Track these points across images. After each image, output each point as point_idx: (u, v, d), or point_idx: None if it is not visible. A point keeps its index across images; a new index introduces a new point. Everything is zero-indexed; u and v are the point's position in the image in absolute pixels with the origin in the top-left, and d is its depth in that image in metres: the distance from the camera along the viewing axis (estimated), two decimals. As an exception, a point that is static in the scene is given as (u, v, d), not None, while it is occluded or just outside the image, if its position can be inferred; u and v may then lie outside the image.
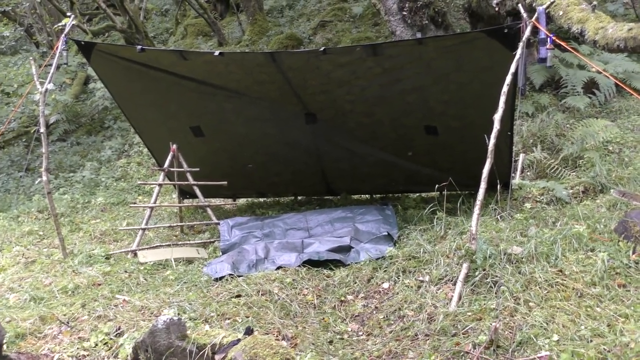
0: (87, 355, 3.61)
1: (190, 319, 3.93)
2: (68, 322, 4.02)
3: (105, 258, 5.66)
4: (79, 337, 3.83)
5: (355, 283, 4.61)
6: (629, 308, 3.50)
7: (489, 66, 5.00)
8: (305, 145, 6.43)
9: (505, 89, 4.33)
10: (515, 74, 4.45)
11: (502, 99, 4.32)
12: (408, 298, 4.15)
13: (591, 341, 3.23)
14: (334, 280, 4.71)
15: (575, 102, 7.27)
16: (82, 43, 6.17)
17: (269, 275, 4.74)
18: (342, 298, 4.44)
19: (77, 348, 3.67)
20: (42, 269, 5.44)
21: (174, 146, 6.34)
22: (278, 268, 4.91)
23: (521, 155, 6.67)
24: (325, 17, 12.73)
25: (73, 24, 6.15)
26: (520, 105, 7.48)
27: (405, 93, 5.57)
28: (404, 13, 8.17)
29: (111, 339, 3.73)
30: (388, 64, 5.38)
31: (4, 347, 3.18)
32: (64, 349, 3.67)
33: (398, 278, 4.50)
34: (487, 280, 4.04)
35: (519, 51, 4.43)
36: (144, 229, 6.07)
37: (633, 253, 4.04)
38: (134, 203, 7.78)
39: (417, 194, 6.80)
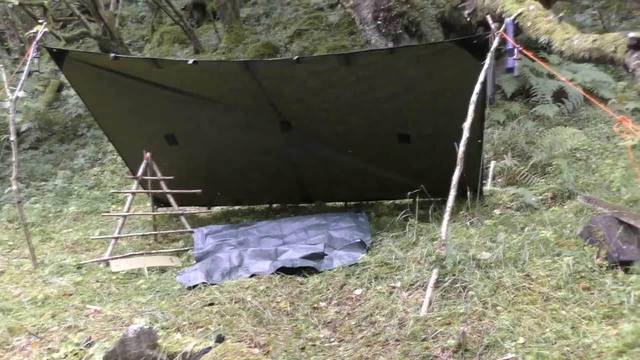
0: (57, 366, 3.58)
1: (162, 328, 3.92)
2: (37, 333, 3.97)
3: (77, 268, 5.60)
4: (48, 348, 3.79)
5: (329, 290, 4.64)
6: (593, 310, 3.58)
7: (459, 75, 5.10)
8: (280, 153, 6.46)
9: (474, 97, 4.43)
10: (484, 83, 4.55)
11: (471, 107, 4.42)
12: (380, 304, 4.20)
13: (555, 343, 3.30)
14: (307, 287, 4.74)
15: (545, 110, 7.43)
16: (54, 50, 6.12)
17: (243, 283, 4.75)
18: (315, 305, 4.47)
19: (47, 359, 3.63)
20: (11, 280, 5.36)
21: (148, 154, 6.32)
22: (252, 276, 4.93)
23: (492, 163, 6.79)
24: (302, 25, 12.82)
25: (46, 31, 6.11)
26: (491, 114, 7.65)
27: (379, 101, 5.65)
28: (379, 22, 8.29)
29: (81, 349, 3.70)
30: (361, 73, 5.46)
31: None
32: (33, 360, 3.63)
33: (370, 284, 4.54)
34: (457, 285, 4.11)
35: (487, 61, 4.54)
36: (116, 238, 6.03)
37: (597, 257, 4.14)
38: (107, 212, 7.70)
39: (391, 201, 6.88)
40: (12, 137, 5.67)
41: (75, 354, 3.66)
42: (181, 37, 14.39)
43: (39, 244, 6.68)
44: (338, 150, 6.28)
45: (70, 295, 4.84)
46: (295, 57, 5.37)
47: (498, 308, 3.79)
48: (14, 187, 5.67)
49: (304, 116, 6.09)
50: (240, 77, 5.67)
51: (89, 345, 3.71)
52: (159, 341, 3.23)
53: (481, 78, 4.54)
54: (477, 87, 4.49)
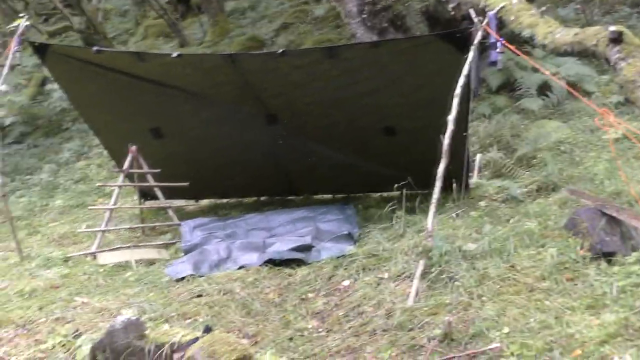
0: (44, 357, 3.59)
1: (150, 319, 3.93)
2: (24, 325, 3.98)
3: (64, 261, 5.58)
4: (35, 340, 3.79)
5: (317, 281, 4.68)
6: (576, 301, 3.65)
7: (443, 69, 5.12)
8: (267, 146, 6.46)
9: (457, 91, 4.47)
10: (468, 77, 4.59)
11: (455, 101, 4.46)
12: (367, 295, 4.24)
13: (539, 333, 3.36)
14: (295, 279, 4.76)
15: (530, 103, 7.51)
16: (36, 44, 6.07)
17: (231, 274, 4.78)
18: (303, 296, 4.50)
19: (34, 351, 3.64)
20: (-3, 273, 5.33)
21: (133, 147, 6.28)
22: (240, 268, 4.95)
23: (478, 155, 6.85)
24: (287, 19, 12.79)
25: (28, 24, 6.05)
26: (477, 107, 7.70)
27: (363, 95, 5.67)
28: (364, 16, 8.29)
29: (69, 340, 3.72)
30: (344, 66, 5.48)
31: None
32: (21, 351, 3.64)
33: (358, 275, 4.59)
34: (443, 276, 4.17)
35: (470, 54, 4.58)
36: (104, 231, 6.01)
37: (581, 248, 4.21)
38: (94, 205, 7.66)
39: (378, 194, 6.91)
40: (-4, 131, 5.62)
41: (63, 345, 3.67)
42: (166, 30, 14.29)
43: (26, 237, 6.63)
44: (324, 143, 6.29)
45: (58, 287, 4.83)
46: (280, 51, 5.38)
47: (483, 298, 3.85)
48: (-1, 180, 5.63)
49: (288, 109, 6.09)
50: (225, 70, 5.66)
51: (77, 336, 3.73)
52: (147, 332, 3.25)
53: (465, 71, 4.57)
54: (461, 80, 4.53)
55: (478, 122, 7.54)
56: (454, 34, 4.94)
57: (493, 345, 3.28)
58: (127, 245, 5.89)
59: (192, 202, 7.60)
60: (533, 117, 7.49)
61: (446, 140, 4.36)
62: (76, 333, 3.77)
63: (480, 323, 3.55)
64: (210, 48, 12.29)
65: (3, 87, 5.77)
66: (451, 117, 4.40)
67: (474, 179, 6.35)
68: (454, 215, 5.30)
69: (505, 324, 3.51)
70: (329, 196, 7.26)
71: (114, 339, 3.15)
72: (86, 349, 3.39)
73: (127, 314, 3.33)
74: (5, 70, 5.80)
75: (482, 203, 5.64)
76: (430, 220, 4.28)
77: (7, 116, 10.96)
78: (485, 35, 4.73)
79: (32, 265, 5.42)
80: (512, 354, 3.14)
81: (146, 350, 3.09)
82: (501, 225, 4.94)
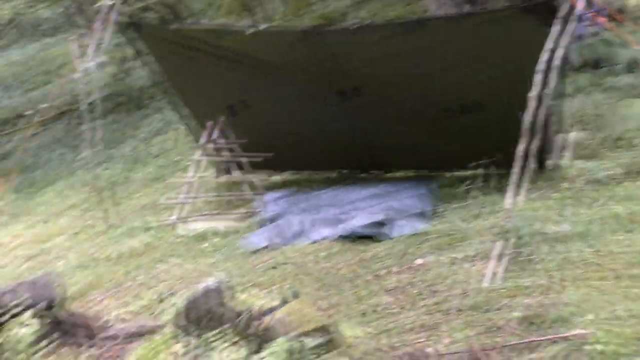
0: (131, 318, 3.79)
1: (228, 288, 4.04)
2: (113, 288, 4.22)
3: (146, 230, 5.86)
4: (123, 302, 4.02)
5: (390, 258, 4.66)
6: (669, 290, 3.46)
7: (525, 43, 4.92)
8: (342, 122, 6.45)
9: (541, 66, 4.28)
10: (552, 51, 4.39)
11: (539, 77, 4.28)
12: (441, 274, 4.19)
13: (627, 321, 3.20)
14: (368, 255, 4.77)
15: (617, 81, 7.09)
16: (122, 22, 6.30)
17: (306, 248, 4.85)
18: (377, 272, 4.49)
19: (123, 311, 3.87)
20: (87, 239, 5.69)
21: (212, 122, 6.46)
22: (314, 242, 5.02)
23: (559, 135, 6.56)
24: (361, -5, 12.60)
25: (112, 3, 6.30)
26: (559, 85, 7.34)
27: (444, 70, 5.54)
28: (440, -10, 8.06)
29: (154, 304, 3.90)
30: (425, 41, 5.36)
31: (56, 308, 3.37)
32: (111, 311, 3.87)
33: (432, 254, 4.54)
34: (522, 258, 4.05)
35: (556, 28, 4.36)
36: (183, 202, 6.24)
37: (673, 235, 3.98)
38: (173, 178, 7.95)
39: (454, 172, 6.76)
40: (84, 106, 5.92)
41: (148, 308, 3.87)
42: (248, 4, 14.42)
43: (111, 207, 6.99)
44: (403, 119, 6.21)
45: (142, 254, 5.08)
46: (361, 23, 5.31)
47: (565, 283, 3.71)
48: (88, 153, 5.95)
49: (366, 85, 6.04)
50: (305, 45, 5.68)
51: (161, 300, 3.91)
52: (228, 299, 3.36)
53: (549, 46, 4.37)
54: (546, 55, 4.34)
55: (560, 100, 7.20)
56: (538, 6, 4.71)
57: (577, 331, 3.16)
58: (206, 215, 6.09)
59: (269, 175, 7.73)
60: (620, 95, 7.05)
61: (528, 118, 4.19)
62: (160, 297, 3.96)
63: (562, 308, 3.42)
64: (288, 22, 12.33)
65: (91, 64, 6.05)
66: (534, 94, 4.22)
67: (554, 160, 6.09)
68: (533, 196, 5.10)
69: (589, 311, 3.36)
70: (404, 173, 7.19)
71: (197, 303, 3.28)
72: (171, 312, 3.55)
73: (209, 281, 3.45)
74: (93, 47, 6.08)
75: (565, 184, 5.40)
76: (509, 201, 4.16)
77: (93, 92, 11.51)
78: (572, 7, 4.48)
79: (118, 233, 5.72)
80: (597, 341, 3.01)
81: (227, 316, 3.20)
82: (585, 208, 4.73)
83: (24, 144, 9.61)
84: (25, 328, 2.96)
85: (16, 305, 3.04)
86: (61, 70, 14.02)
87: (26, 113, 12.78)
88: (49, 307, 3.26)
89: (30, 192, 8.80)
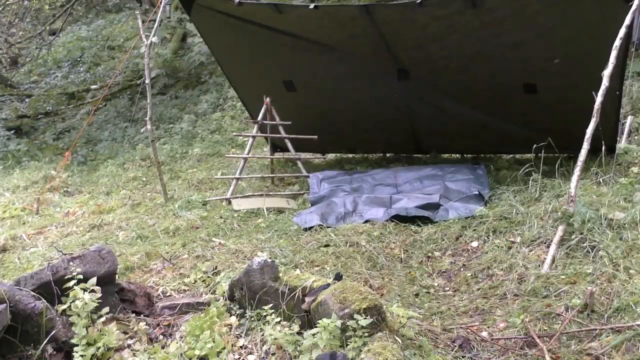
0: (187, 289, 3.90)
1: (281, 264, 4.11)
2: (170, 260, 4.34)
3: (202, 204, 6.00)
4: (180, 274, 4.13)
5: (443, 240, 4.60)
6: None
7: (599, 19, 4.66)
8: (396, 102, 6.36)
9: (617, 42, 4.04)
10: (629, 27, 4.12)
11: (614, 53, 4.04)
12: (497, 258, 4.09)
13: (695, 312, 3.04)
14: (421, 237, 4.71)
15: (696, 61, 6.64)
16: (180, -2, 6.39)
17: (357, 227, 4.83)
18: (429, 254, 4.45)
19: (179, 283, 3.97)
20: (146, 211, 5.86)
21: (267, 99, 6.50)
22: (366, 222, 4.99)
23: (629, 118, 6.23)
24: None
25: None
26: (632, 64, 6.94)
27: (504, 48, 5.33)
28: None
29: (209, 277, 4.00)
30: (487, 17, 5.16)
31: (116, 277, 3.50)
32: (167, 283, 3.98)
33: (488, 238, 4.43)
34: (585, 244, 3.89)
35: (636, 1, 4.09)
36: (237, 179, 6.34)
37: None
38: (229, 154, 8.11)
39: (511, 155, 6.57)
40: (148, 80, 6.07)
41: (204, 281, 3.96)
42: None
43: (168, 181, 7.21)
44: (457, 100, 6.05)
45: (198, 228, 5.20)
46: (419, 0, 5.16)
47: (631, 271, 3.54)
48: (148, 127, 6.11)
49: (423, 64, 5.91)
50: (360, 23, 5.59)
51: (216, 273, 4.00)
52: (280, 275, 3.39)
53: (627, 21, 4.11)
54: (622, 32, 4.08)
55: (631, 81, 6.82)
56: None
57: (641, 322, 3.02)
58: (259, 193, 6.17)
59: (319, 155, 7.78)
60: (700, 76, 6.62)
61: (599, 98, 3.97)
62: (215, 270, 4.05)
63: (626, 297, 3.27)
64: (342, 1, 12.20)
65: (155, 39, 6.16)
66: (607, 72, 3.99)
67: (622, 143, 5.79)
68: (599, 181, 4.88)
69: (656, 301, 3.21)
70: (458, 155, 7.04)
71: (251, 278, 3.33)
72: (225, 285, 3.63)
73: (262, 257, 3.48)
74: (157, 23, 6.19)
75: (633, 170, 5.14)
76: (573, 185, 3.99)
77: (153, 68, 11.81)
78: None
79: (175, 207, 5.87)
80: (663, 332, 2.87)
81: (280, 292, 3.23)
82: (655, 195, 4.47)
83: (88, 118, 9.98)
84: (89, 295, 3.08)
85: (81, 273, 3.17)
86: (126, 46, 14.42)
87: (92, 87, 13.30)
88: (111, 275, 3.38)
89: (93, 164, 9.18)
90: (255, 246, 4.62)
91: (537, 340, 3.05)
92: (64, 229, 5.66)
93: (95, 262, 3.31)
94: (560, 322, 3.22)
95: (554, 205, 4.42)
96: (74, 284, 3.11)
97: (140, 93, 10.76)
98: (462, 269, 4.15)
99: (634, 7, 4.09)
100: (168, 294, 3.82)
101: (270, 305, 3.23)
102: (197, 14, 6.40)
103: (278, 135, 6.68)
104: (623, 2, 4.27)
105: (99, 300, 3.11)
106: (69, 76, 15.20)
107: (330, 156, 7.72)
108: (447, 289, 3.93)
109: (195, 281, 3.99)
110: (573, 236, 3.96)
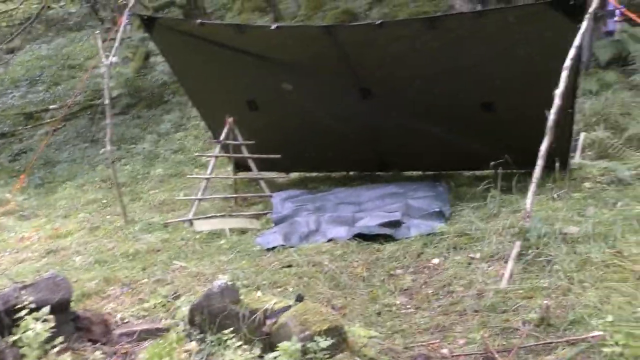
0: (147, 315, 3.81)
1: (243, 286, 4.06)
2: (129, 284, 4.25)
3: (164, 226, 5.91)
4: (139, 299, 4.04)
5: (405, 258, 4.63)
6: (692, 292, 3.36)
7: (551, 39, 4.82)
8: (359, 120, 6.42)
9: (567, 63, 4.18)
10: (579, 48, 4.28)
11: (564, 73, 4.18)
12: (458, 274, 4.14)
13: (648, 323, 3.13)
14: (383, 255, 4.74)
15: (644, 79, 6.93)
16: (145, 17, 6.36)
17: (320, 247, 4.83)
18: (391, 272, 4.47)
19: (138, 308, 3.88)
20: (105, 235, 5.74)
21: (230, 119, 6.48)
22: (329, 241, 5.00)
23: (582, 134, 6.44)
24: (382, -9, 12.51)
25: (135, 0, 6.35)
26: (584, 82, 7.20)
27: (463, 68, 5.46)
28: (464, -14, 7.95)
29: (169, 301, 3.92)
30: (446, 38, 5.29)
31: (72, 304, 3.40)
32: (126, 308, 3.89)
33: (448, 254, 4.49)
34: (540, 259, 3.97)
35: (584, 24, 4.25)
36: (199, 200, 6.28)
37: (699, 237, 3.86)
38: (191, 174, 8.03)
39: (471, 172, 6.69)
40: (107, 101, 5.98)
41: (163, 305, 3.88)
42: (261, 5, 14.48)
43: (129, 202, 7.08)
44: (418, 118, 6.15)
45: (158, 251, 5.12)
46: (379, 21, 5.27)
47: (585, 284, 3.63)
48: (108, 148, 6.01)
49: (384, 83, 6.00)
50: (322, 43, 5.66)
51: (176, 297, 3.93)
52: (241, 297, 3.35)
53: (576, 42, 4.27)
54: (572, 52, 4.23)
55: (584, 98, 7.06)
56: (566, 1, 4.60)
57: (595, 334, 3.08)
58: (221, 214, 6.12)
59: (282, 174, 7.77)
60: (647, 93, 6.90)
61: (552, 115, 4.10)
62: (175, 294, 3.98)
63: (580, 309, 3.35)
64: (304, 22, 12.34)
65: (115, 59, 6.10)
66: (558, 92, 4.13)
67: (576, 159, 5.98)
68: (554, 196, 5.02)
69: (609, 312, 3.27)
70: (419, 173, 7.14)
71: (211, 302, 3.28)
72: (185, 310, 3.56)
73: (223, 280, 3.44)
74: (117, 42, 6.13)
75: (586, 185, 5.30)
76: (529, 200, 4.08)
77: (114, 88, 11.66)
78: (602, 3, 4.37)
79: (135, 229, 5.77)
80: (616, 343, 2.93)
81: (240, 315, 3.19)
82: (607, 209, 4.62)
83: (46, 138, 9.75)
84: (42, 324, 2.98)
85: (33, 302, 3.07)
86: (86, 65, 14.21)
87: (51, 107, 13.02)
88: (66, 303, 3.29)
89: (51, 186, 8.96)
90: (217, 268, 4.57)
91: (496, 356, 3.09)
92: (18, 255, 5.49)
93: (48, 289, 3.21)
94: (518, 336, 3.27)
95: (512, 220, 4.52)
96: (26, 314, 3.01)
97: (100, 113, 10.61)
98: (423, 286, 4.18)
99: (582, 29, 4.25)
100: (126, 320, 3.74)
101: (231, 329, 3.18)
102: (159, 33, 6.37)
103: (241, 155, 6.65)
104: (573, 24, 4.43)
105: (53, 330, 3.01)
106: (27, 96, 14.84)
107: (294, 175, 7.72)
108: (409, 306, 3.95)
109: (155, 306, 3.91)
110: (530, 251, 4.04)
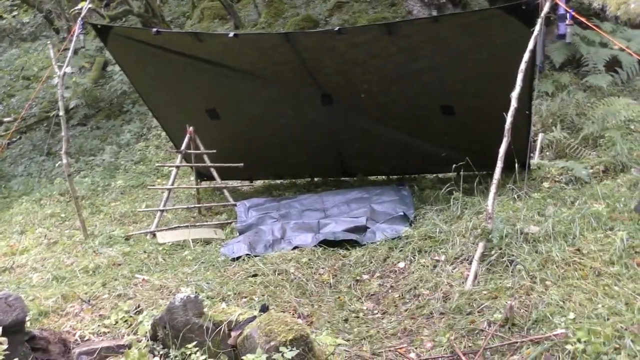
0: (108, 332, 3.69)
1: (207, 298, 3.99)
2: (89, 301, 4.11)
3: (125, 239, 5.76)
4: (99, 315, 3.91)
5: (371, 263, 4.63)
6: (648, 287, 3.45)
7: (506, 44, 4.92)
8: (321, 126, 6.42)
9: (522, 66, 4.27)
10: (533, 51, 4.38)
11: (520, 76, 4.27)
12: (424, 277, 4.16)
13: (608, 319, 3.20)
14: (349, 260, 4.73)
15: (597, 80, 7.12)
16: (99, 27, 6.22)
17: (286, 255, 4.78)
18: (358, 277, 4.46)
19: (98, 325, 3.76)
20: (64, 250, 5.56)
21: (191, 128, 6.38)
22: (294, 248, 4.96)
23: (540, 135, 6.58)
24: (342, -3, 12.58)
25: (90, 8, 6.20)
26: (539, 84, 7.37)
27: (421, 72, 5.52)
28: (421, -8, 8.07)
29: (131, 316, 3.81)
30: (403, 43, 5.34)
31: (27, 324, 3.27)
32: (86, 326, 3.76)
33: (414, 257, 4.51)
34: (503, 259, 4.03)
35: (537, 28, 4.36)
36: (162, 211, 6.15)
37: (653, 232, 3.97)
38: (153, 185, 7.87)
39: (434, 175, 6.76)
40: (61, 113, 5.81)
41: (125, 321, 3.77)
42: (221, 12, 14.38)
43: (89, 216, 6.88)
44: (380, 123, 6.19)
45: (120, 265, 4.97)
46: (337, 28, 5.29)
47: (547, 283, 3.70)
48: (64, 161, 5.84)
49: (345, 88, 6.02)
50: (281, 50, 5.63)
51: (138, 312, 3.82)
52: (205, 310, 3.28)
53: (530, 46, 4.36)
54: (526, 56, 4.33)
55: (540, 100, 7.23)
56: (519, 6, 4.70)
57: (558, 331, 3.14)
58: (185, 224, 6.01)
59: (246, 182, 7.69)
60: (600, 94, 7.10)
61: (509, 118, 4.18)
62: (137, 309, 3.87)
63: (543, 308, 3.41)
64: (265, 29, 12.29)
65: (68, 70, 5.93)
66: (515, 94, 4.21)
67: (535, 160, 6.11)
68: (514, 196, 5.11)
69: (571, 310, 3.35)
70: (383, 177, 7.17)
71: (174, 315, 3.20)
72: (147, 325, 3.46)
73: (186, 292, 3.37)
74: (71, 52, 5.97)
75: (545, 184, 5.42)
76: (490, 202, 4.14)
77: (71, 99, 11.35)
78: (552, 8, 4.49)
79: (96, 243, 5.60)
80: (578, 340, 2.99)
81: (204, 328, 3.12)
82: (565, 208, 4.73)
83: (0, 152, 9.42)
84: (-5, 346, 2.86)
85: (-15, 322, 2.94)
86: (41, 76, 13.80)
87: (4, 120, 12.58)
88: (20, 323, 3.16)
89: (6, 201, 8.65)
90: (181, 280, 4.47)
91: (463, 358, 3.11)
92: (-29, 274, 5.26)
93: (1, 310, 3.08)
94: (484, 337, 3.30)
95: (474, 222, 4.57)
96: (-22, 336, 2.88)
97: (57, 125, 10.27)
98: (390, 291, 4.19)
99: (535, 33, 4.35)
100: (86, 338, 3.61)
101: (195, 342, 3.11)
102: (114, 43, 6.23)
103: (203, 165, 6.56)
104: (527, 28, 4.53)
105: (6, 352, 2.89)
106: (-21, 109, 14.34)
107: (258, 183, 7.65)
108: (376, 312, 3.95)
109: (117, 322, 3.79)
110: (493, 252, 4.10)
